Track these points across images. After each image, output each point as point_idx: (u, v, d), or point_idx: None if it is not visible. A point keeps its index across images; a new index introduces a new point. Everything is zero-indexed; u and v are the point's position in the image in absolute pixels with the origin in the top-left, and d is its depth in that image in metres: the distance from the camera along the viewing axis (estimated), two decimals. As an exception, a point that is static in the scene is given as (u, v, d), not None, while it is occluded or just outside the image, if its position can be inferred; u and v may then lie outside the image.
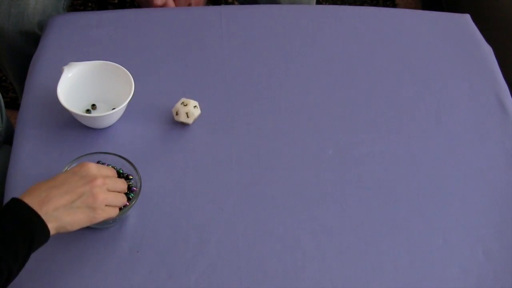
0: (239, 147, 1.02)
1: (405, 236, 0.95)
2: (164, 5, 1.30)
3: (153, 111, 1.05)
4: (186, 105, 1.02)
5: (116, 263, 0.89)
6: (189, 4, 1.35)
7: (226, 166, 1.00)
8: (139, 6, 1.40)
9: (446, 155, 1.04)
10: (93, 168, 0.82)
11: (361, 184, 1.00)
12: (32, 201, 0.75)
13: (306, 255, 0.91)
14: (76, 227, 0.80)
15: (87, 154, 0.93)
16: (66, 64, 1.02)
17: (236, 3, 2.01)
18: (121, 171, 0.93)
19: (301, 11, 1.26)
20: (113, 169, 0.88)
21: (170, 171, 0.99)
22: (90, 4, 1.98)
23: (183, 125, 1.04)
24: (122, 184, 0.87)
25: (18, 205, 0.75)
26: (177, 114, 1.02)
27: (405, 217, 0.97)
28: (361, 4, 2.08)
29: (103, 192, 0.81)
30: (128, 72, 1.02)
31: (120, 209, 0.87)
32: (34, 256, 0.88)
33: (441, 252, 0.93)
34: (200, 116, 1.04)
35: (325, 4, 2.08)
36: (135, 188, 0.92)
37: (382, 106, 1.10)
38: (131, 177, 0.93)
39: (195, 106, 1.03)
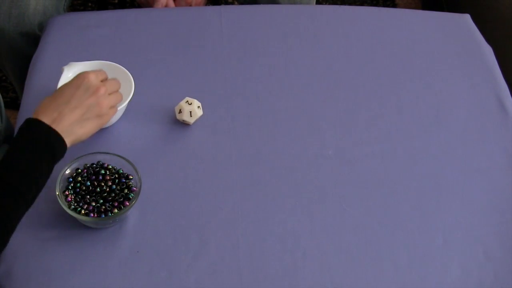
0: (239, 147, 1.02)
1: (405, 236, 0.95)
2: (165, 6, 1.30)
3: (153, 111, 1.05)
4: (190, 104, 1.02)
5: (116, 263, 0.89)
6: (190, 5, 1.35)
7: (226, 166, 1.00)
8: (139, 6, 1.40)
9: (446, 155, 1.04)
10: (92, 78, 0.87)
11: (361, 184, 1.00)
12: (47, 120, 0.82)
13: (306, 255, 0.91)
14: (88, 136, 0.87)
15: (87, 154, 0.93)
16: (66, 64, 1.02)
17: (236, 3, 2.01)
18: (121, 171, 0.93)
19: (301, 11, 1.26)
20: (103, 70, 0.93)
21: (170, 171, 0.99)
22: (90, 4, 1.98)
23: (183, 125, 1.04)
24: (117, 84, 0.94)
25: (37, 125, 0.81)
26: (180, 112, 1.02)
27: (405, 217, 0.97)
28: (361, 4, 2.08)
29: (106, 98, 0.88)
30: (128, 72, 1.02)
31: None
32: (34, 256, 0.88)
33: (441, 252, 0.93)
34: (200, 116, 1.04)
35: (325, 4, 2.08)
36: (135, 188, 0.92)
37: (382, 106, 1.10)
38: (131, 177, 0.93)
39: (198, 107, 1.03)
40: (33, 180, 0.79)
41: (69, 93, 0.85)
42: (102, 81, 0.90)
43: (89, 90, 0.86)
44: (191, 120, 1.03)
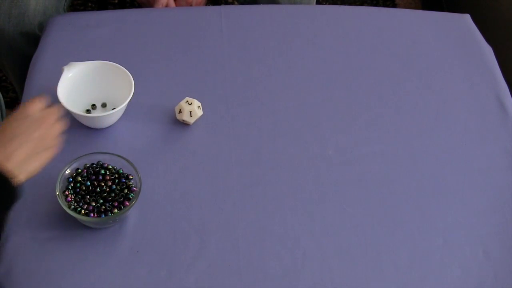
0: (239, 147, 1.02)
1: (405, 236, 0.95)
2: (165, 6, 1.30)
3: (153, 111, 1.05)
4: (190, 104, 1.02)
5: (116, 263, 0.89)
6: (190, 4, 1.35)
7: (226, 166, 1.00)
8: (139, 6, 1.40)
9: (446, 155, 1.04)
10: (36, 109, 0.82)
11: (361, 184, 1.00)
12: None
13: (306, 255, 0.91)
14: (41, 168, 0.81)
15: (87, 154, 0.93)
16: (66, 64, 1.02)
17: (236, 3, 2.01)
18: (121, 171, 0.93)
19: (301, 11, 1.26)
20: (41, 98, 0.85)
21: (170, 171, 0.99)
22: (90, 4, 1.98)
23: (183, 125, 1.04)
24: (58, 112, 0.86)
25: None
26: (180, 112, 1.02)
27: (405, 217, 0.97)
28: (361, 4, 2.08)
29: (54, 128, 0.83)
30: (128, 72, 1.02)
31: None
32: (34, 256, 0.88)
33: (441, 252, 0.93)
34: (200, 116, 1.04)
35: (325, 4, 2.08)
36: (135, 188, 0.92)
37: (382, 106, 1.10)
38: (131, 177, 0.93)
39: (198, 107, 1.03)
40: None
41: (16, 126, 0.79)
42: (49, 112, 0.84)
43: (37, 122, 0.81)
44: (191, 120, 1.03)
